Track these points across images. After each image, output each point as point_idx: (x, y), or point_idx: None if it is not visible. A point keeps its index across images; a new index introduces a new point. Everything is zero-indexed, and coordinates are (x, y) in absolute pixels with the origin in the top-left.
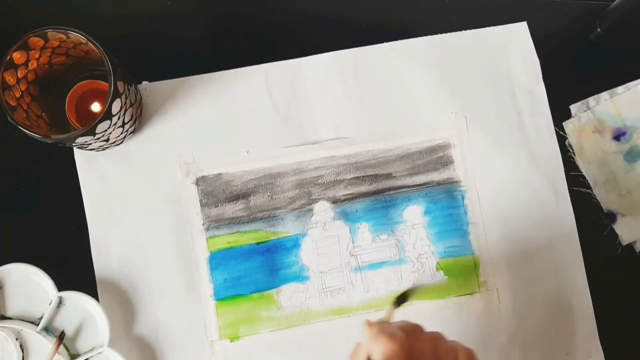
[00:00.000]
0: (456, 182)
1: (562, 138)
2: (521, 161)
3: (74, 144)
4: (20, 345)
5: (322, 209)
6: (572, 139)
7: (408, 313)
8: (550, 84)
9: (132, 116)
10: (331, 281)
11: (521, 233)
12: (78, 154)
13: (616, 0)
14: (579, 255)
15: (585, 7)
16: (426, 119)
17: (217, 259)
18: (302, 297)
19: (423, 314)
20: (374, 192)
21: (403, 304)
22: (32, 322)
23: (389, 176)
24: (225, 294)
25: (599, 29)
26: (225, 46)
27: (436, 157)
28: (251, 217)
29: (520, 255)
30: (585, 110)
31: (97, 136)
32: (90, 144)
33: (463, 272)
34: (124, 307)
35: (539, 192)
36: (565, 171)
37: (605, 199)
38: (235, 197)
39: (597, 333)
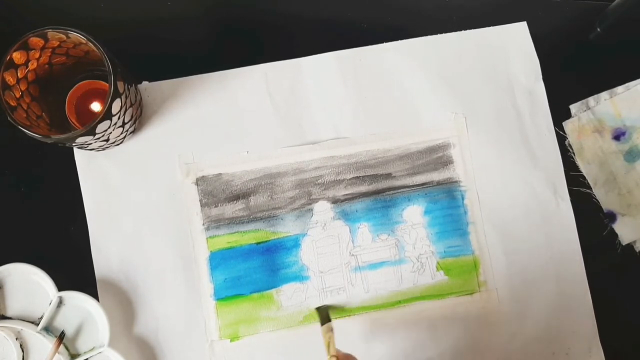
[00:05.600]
0: (456, 182)
1: (562, 138)
2: (521, 161)
3: (74, 144)
4: (20, 345)
5: (322, 209)
6: (572, 138)
7: (408, 313)
8: (550, 84)
9: (132, 116)
10: (331, 281)
11: (521, 233)
12: (78, 154)
13: (616, 0)
14: (579, 255)
15: (585, 7)
16: (426, 119)
17: (217, 259)
18: (302, 297)
19: (423, 313)
20: (374, 192)
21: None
22: (32, 322)
23: (388, 176)
24: (225, 294)
25: (599, 29)
26: (225, 46)
27: (436, 157)
28: (251, 217)
29: (520, 255)
30: (585, 110)
31: (97, 136)
32: (90, 144)
33: (463, 272)
34: (124, 307)
35: (539, 192)
36: (565, 171)
37: (605, 198)
38: (235, 197)
39: (597, 333)
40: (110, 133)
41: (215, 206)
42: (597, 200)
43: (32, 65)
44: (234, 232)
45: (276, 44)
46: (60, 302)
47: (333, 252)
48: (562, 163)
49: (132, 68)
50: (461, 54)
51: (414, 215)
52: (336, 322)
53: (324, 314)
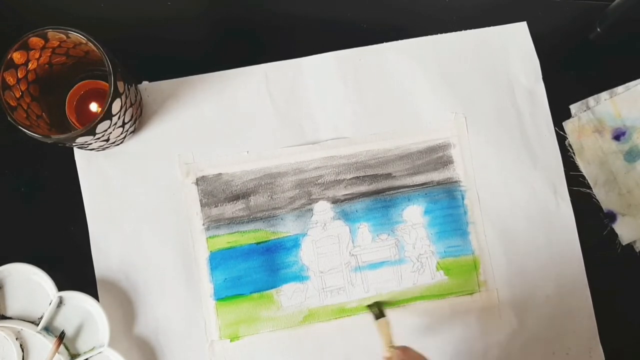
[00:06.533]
0: (456, 182)
1: (562, 138)
2: (521, 161)
3: (74, 144)
4: (21, 345)
5: (322, 209)
6: (572, 138)
7: (408, 313)
8: (550, 84)
9: (132, 116)
10: (331, 281)
11: (521, 233)
12: (78, 154)
13: (616, 0)
14: (579, 255)
15: (585, 7)
16: (426, 119)
17: (217, 259)
18: (302, 297)
19: (423, 313)
20: (374, 192)
21: (382, 316)
22: (32, 322)
23: (388, 176)
24: (225, 294)
25: (599, 29)
26: (225, 46)
27: (436, 157)
28: (251, 217)
29: (520, 255)
30: (585, 110)
31: (97, 136)
32: (90, 144)
33: (463, 272)
34: (124, 307)
35: (539, 192)
36: (565, 171)
37: (605, 198)
38: (235, 197)
39: (597, 333)
40: (110, 133)
41: (215, 206)
42: (597, 200)
43: (32, 65)
44: (234, 232)
45: (276, 44)
46: (60, 302)
47: (333, 252)
48: (562, 163)
49: (132, 68)
50: (461, 54)
51: (414, 215)
52: (336, 322)
53: (379, 310)
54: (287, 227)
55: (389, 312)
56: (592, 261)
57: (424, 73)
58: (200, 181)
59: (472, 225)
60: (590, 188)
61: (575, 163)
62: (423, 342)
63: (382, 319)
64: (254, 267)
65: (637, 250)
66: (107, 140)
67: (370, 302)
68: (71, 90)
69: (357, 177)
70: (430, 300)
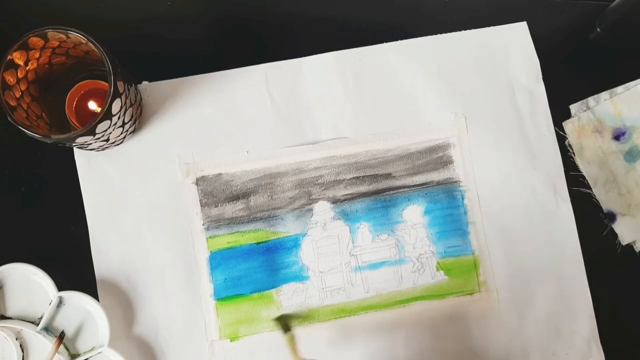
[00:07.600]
0: (456, 182)
1: (562, 138)
2: (521, 161)
3: (74, 144)
4: (20, 345)
5: (322, 209)
6: (571, 138)
7: (409, 313)
8: (550, 84)
9: (132, 116)
10: (331, 281)
11: (521, 233)
12: (78, 154)
13: (616, 0)
14: (579, 255)
15: (585, 7)
16: (426, 119)
17: (217, 259)
18: (302, 297)
19: (423, 313)
20: (374, 192)
21: (290, 330)
22: (32, 322)
23: (388, 176)
24: (225, 294)
25: (599, 29)
26: (225, 46)
27: (436, 157)
28: (251, 217)
29: (520, 255)
30: (585, 110)
31: (97, 136)
32: (90, 144)
33: (463, 272)
34: (124, 307)
35: (539, 192)
36: (565, 171)
37: (605, 198)
38: (235, 197)
39: (597, 333)
40: (110, 133)
41: (215, 206)
42: (597, 200)
43: (32, 65)
44: (234, 232)
45: (277, 43)
46: (60, 302)
47: (333, 252)
48: (562, 163)
49: (132, 68)
50: (461, 54)
51: (414, 215)
52: (336, 322)
53: (284, 323)
54: (287, 227)
55: (385, 313)
56: (592, 261)
57: (424, 73)
58: (200, 181)
59: (472, 225)
60: (590, 188)
61: (575, 163)
62: (423, 342)
63: (288, 333)
64: (254, 267)
65: (637, 250)
66: (107, 140)
67: (288, 314)
68: (71, 90)
69: (357, 177)
70: (431, 300)
